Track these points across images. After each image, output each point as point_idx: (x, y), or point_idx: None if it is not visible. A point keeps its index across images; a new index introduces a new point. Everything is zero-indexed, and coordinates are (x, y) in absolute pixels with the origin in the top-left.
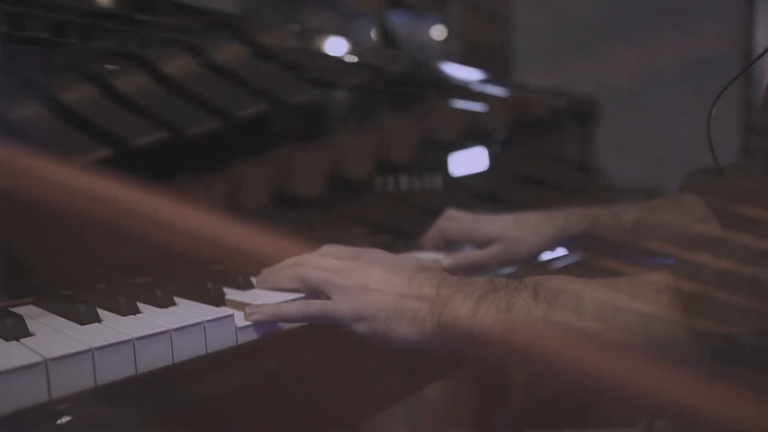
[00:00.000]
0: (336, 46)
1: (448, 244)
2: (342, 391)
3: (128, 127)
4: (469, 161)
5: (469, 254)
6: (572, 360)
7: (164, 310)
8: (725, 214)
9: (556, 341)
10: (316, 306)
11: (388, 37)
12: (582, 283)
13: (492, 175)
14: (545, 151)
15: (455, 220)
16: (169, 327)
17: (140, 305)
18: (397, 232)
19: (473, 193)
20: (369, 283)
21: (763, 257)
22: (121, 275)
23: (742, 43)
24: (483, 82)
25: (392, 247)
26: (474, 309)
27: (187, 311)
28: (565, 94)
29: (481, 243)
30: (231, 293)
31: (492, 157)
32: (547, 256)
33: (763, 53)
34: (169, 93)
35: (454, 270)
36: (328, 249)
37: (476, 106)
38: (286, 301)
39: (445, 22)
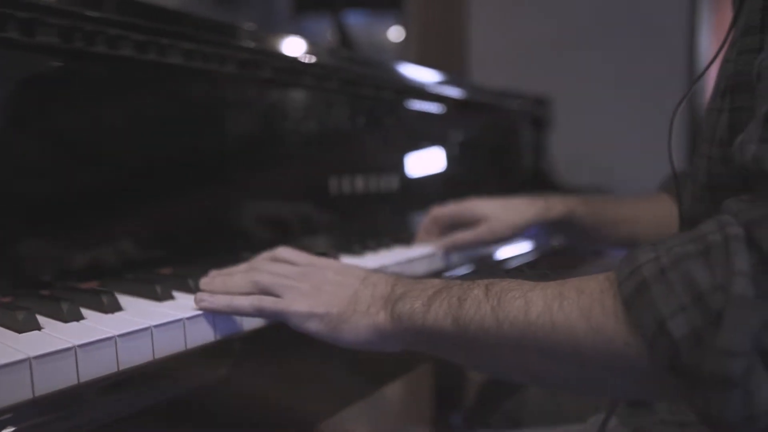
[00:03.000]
0: (291, 47)
1: (440, 234)
2: (299, 393)
3: (74, 125)
4: (426, 163)
5: (458, 235)
6: (519, 356)
7: (110, 315)
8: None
9: (504, 337)
10: (268, 302)
11: (344, 38)
12: (532, 282)
13: (449, 176)
14: (502, 152)
15: (443, 206)
16: (114, 333)
17: (84, 311)
18: (353, 233)
19: (430, 194)
20: (322, 285)
21: (696, 255)
22: (65, 280)
23: (686, 54)
24: (440, 83)
25: (347, 249)
26: (427, 303)
27: (134, 316)
28: (521, 95)
29: (469, 222)
30: (181, 297)
31: (449, 158)
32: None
33: (710, 65)
34: (115, 92)
35: (448, 251)
36: (282, 252)
37: (433, 107)
38: (238, 295)
39: (402, 23)
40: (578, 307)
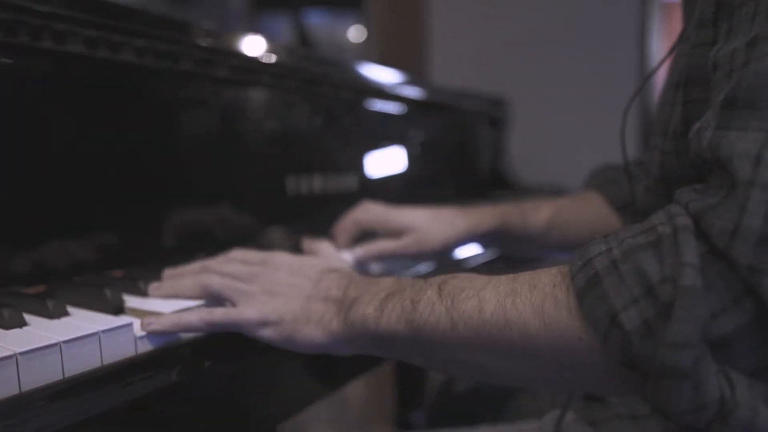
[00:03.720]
0: (248, 45)
1: (360, 239)
2: (256, 395)
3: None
4: (386, 163)
5: (380, 244)
6: (474, 356)
7: (56, 321)
8: (625, 211)
9: (459, 337)
10: (218, 314)
11: (304, 37)
12: (485, 279)
13: (408, 176)
14: (460, 152)
15: (369, 209)
16: (59, 339)
17: (28, 317)
18: (311, 234)
19: (389, 194)
20: (274, 288)
21: (646, 247)
22: (8, 285)
23: (637, 55)
24: (399, 84)
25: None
26: (380, 308)
27: (82, 321)
28: (478, 96)
29: (395, 233)
30: (131, 300)
31: (409, 158)
32: (457, 250)
33: (664, 59)
34: (64, 90)
35: (365, 260)
36: (236, 254)
37: (393, 108)
38: (186, 309)
39: (363, 22)
40: (531, 303)
